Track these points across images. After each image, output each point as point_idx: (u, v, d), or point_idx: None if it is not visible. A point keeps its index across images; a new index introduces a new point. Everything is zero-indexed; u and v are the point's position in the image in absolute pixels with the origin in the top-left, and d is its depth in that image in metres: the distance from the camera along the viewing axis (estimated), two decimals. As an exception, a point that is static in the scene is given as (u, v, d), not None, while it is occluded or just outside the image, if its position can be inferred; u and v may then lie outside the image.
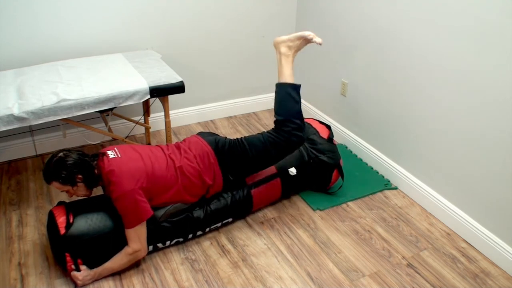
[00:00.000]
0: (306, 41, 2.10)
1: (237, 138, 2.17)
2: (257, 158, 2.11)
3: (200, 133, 2.25)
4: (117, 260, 1.92)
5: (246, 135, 3.12)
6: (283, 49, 2.08)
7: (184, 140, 2.22)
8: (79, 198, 2.03)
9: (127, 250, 1.90)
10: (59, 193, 2.47)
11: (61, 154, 1.90)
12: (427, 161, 2.43)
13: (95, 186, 1.96)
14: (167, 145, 2.16)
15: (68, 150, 1.94)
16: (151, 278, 1.99)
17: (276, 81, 2.11)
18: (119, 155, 1.94)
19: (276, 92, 2.09)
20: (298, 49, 2.12)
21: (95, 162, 1.94)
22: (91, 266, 1.93)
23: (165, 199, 2.01)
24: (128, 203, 1.85)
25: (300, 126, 2.06)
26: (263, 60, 3.35)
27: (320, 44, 2.10)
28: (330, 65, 3.04)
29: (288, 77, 2.06)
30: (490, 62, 1.98)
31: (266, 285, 1.98)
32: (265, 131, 2.16)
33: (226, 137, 2.19)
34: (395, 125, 2.60)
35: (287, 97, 2.04)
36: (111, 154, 1.94)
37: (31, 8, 2.46)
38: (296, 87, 2.07)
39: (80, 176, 1.89)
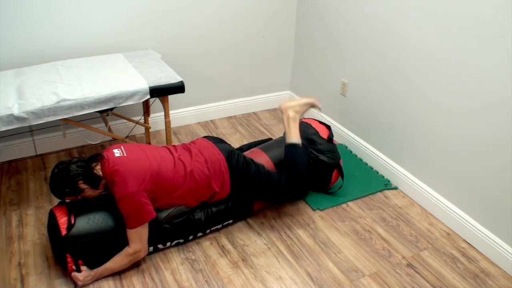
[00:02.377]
0: (311, 106, 2.29)
1: (254, 162, 2.19)
2: (266, 187, 2.18)
3: (208, 137, 2.25)
4: (118, 261, 1.92)
5: (246, 135, 3.15)
6: (291, 113, 2.23)
7: (192, 142, 2.21)
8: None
9: (127, 250, 1.90)
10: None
11: (55, 170, 1.88)
12: (427, 161, 2.43)
13: (97, 186, 1.93)
14: (174, 146, 2.16)
15: (61, 162, 1.91)
16: (151, 278, 1.99)
17: (286, 141, 2.27)
18: (125, 154, 1.93)
19: (288, 151, 2.22)
20: (303, 113, 2.28)
21: (95, 163, 1.93)
22: (91, 266, 1.93)
23: (169, 201, 2.00)
24: (131, 205, 1.85)
25: (306, 179, 2.23)
26: (263, 60, 3.36)
27: (319, 109, 2.35)
28: (330, 65, 3.04)
29: (296, 139, 2.21)
30: (490, 62, 1.98)
31: (266, 285, 1.98)
32: (280, 174, 2.23)
33: (238, 151, 2.20)
34: (395, 125, 2.60)
35: (298, 155, 2.20)
36: (117, 152, 1.93)
37: (31, 8, 2.46)
38: (305, 147, 2.26)
39: (81, 181, 1.87)
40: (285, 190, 2.20)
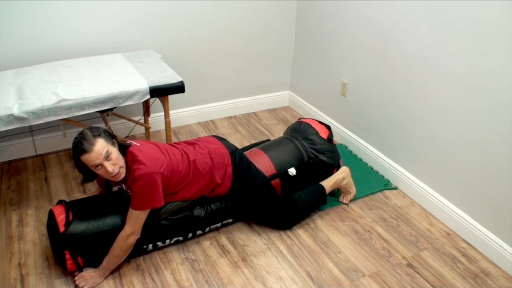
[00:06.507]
0: (346, 192, 2.51)
1: (256, 167, 2.22)
2: (262, 191, 2.20)
3: (214, 136, 2.27)
4: (116, 247, 1.89)
5: (246, 135, 3.14)
6: (342, 179, 2.45)
7: (196, 139, 2.24)
8: (79, 198, 2.02)
9: (122, 232, 1.89)
10: (59, 193, 2.48)
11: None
12: (427, 161, 2.43)
13: (122, 154, 1.92)
14: (176, 142, 2.17)
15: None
16: (151, 278, 1.99)
17: (321, 182, 2.43)
18: (139, 145, 1.96)
19: (316, 186, 2.39)
20: (341, 187, 2.48)
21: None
22: (91, 264, 1.94)
23: (175, 190, 2.01)
24: (147, 184, 1.85)
25: (302, 214, 2.36)
26: (263, 60, 3.35)
27: (346, 202, 2.53)
28: (330, 65, 3.04)
29: (328, 188, 2.40)
30: (490, 62, 1.98)
31: (266, 285, 1.98)
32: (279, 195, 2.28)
33: (242, 152, 2.23)
34: (395, 125, 2.60)
35: (317, 194, 2.38)
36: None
37: (31, 8, 2.46)
38: (325, 200, 2.41)
39: (114, 140, 1.89)
40: (279, 202, 2.23)
